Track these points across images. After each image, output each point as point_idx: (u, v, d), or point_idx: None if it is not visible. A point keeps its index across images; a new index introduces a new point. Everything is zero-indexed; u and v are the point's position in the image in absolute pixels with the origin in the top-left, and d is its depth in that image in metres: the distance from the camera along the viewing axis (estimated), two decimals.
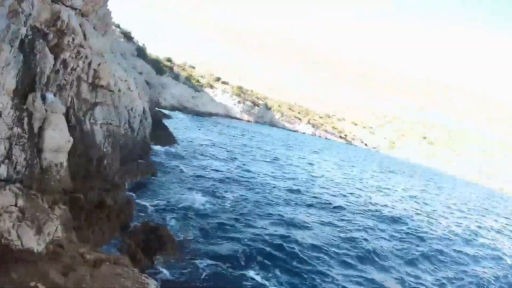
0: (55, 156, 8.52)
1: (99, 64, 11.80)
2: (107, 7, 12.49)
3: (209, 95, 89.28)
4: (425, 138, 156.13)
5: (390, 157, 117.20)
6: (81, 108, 11.24)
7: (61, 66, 9.07)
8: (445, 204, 34.84)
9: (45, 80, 8.35)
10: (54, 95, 8.81)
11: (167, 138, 25.92)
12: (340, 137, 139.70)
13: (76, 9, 9.24)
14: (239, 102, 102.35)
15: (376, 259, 14.64)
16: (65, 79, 9.45)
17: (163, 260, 10.57)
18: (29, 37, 7.50)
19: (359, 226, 18.14)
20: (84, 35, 10.31)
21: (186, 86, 74.85)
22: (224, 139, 39.87)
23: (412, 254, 16.21)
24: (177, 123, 40.74)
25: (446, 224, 24.79)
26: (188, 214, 14.14)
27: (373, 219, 20.23)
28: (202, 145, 30.90)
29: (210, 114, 78.53)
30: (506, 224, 32.64)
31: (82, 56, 10.03)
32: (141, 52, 48.40)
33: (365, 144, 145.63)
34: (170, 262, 10.59)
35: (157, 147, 22.67)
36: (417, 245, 17.63)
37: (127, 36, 43.97)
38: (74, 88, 10.45)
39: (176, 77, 71.37)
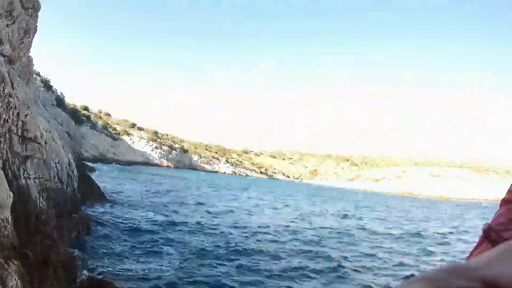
0: (0, 212, 7.81)
1: (26, 115, 11.12)
2: (29, 53, 11.87)
3: (126, 143, 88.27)
4: (347, 160, 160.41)
5: (314, 185, 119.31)
6: (14, 162, 10.46)
7: None
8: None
9: None
10: None
11: (95, 191, 24.98)
12: (261, 172, 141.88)
13: (4, 56, 8.61)
14: (156, 147, 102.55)
15: None
16: None
17: None
18: None
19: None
20: (12, 84, 9.65)
21: (104, 135, 73.48)
22: (148, 188, 39.19)
23: None
24: (100, 176, 39.56)
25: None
26: (129, 266, 13.46)
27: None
28: (129, 196, 30.15)
29: (129, 163, 76.93)
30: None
31: (11, 107, 9.35)
32: (60, 101, 47.07)
33: (287, 176, 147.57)
34: None
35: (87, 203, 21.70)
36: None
37: (47, 85, 42.41)
38: (8, 141, 9.70)
39: (94, 126, 69.95)
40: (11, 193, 8.54)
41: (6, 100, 8.87)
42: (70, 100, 69.79)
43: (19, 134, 10.76)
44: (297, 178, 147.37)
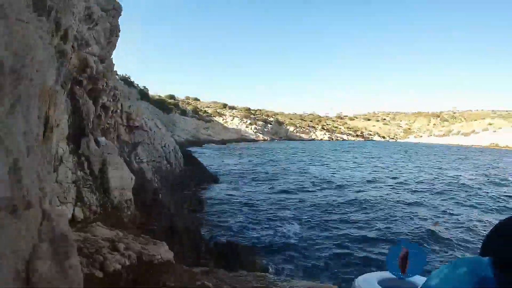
0: (122, 193, 8.55)
1: (129, 106, 11.97)
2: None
3: (219, 123, 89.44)
4: (438, 116, 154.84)
5: (408, 143, 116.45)
6: (124, 150, 11.33)
7: (102, 110, 9.12)
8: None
9: (91, 125, 8.40)
10: None
11: (200, 169, 25.99)
12: (357, 135, 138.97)
13: (95, 55, 9.32)
14: (250, 123, 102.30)
15: None
16: (107, 123, 9.50)
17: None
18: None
19: None
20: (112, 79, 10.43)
21: (195, 118, 75.10)
22: (251, 162, 39.82)
23: None
24: (199, 156, 41.00)
25: None
26: (250, 227, 14.14)
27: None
28: (233, 171, 30.97)
29: (224, 142, 78.04)
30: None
31: (118, 99, 10.12)
32: (143, 95, 48.58)
33: (383, 137, 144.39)
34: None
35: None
36: None
37: (127, 81, 44.21)
38: (116, 131, 10.53)
39: (184, 112, 71.54)
40: (133, 176, 9.31)
41: (112, 93, 9.60)
42: (155, 92, 72.66)
43: (125, 124, 11.61)
44: (392, 138, 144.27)
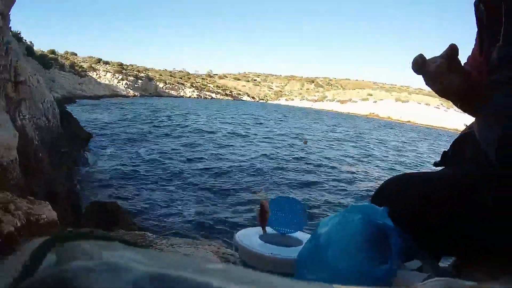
0: (8, 153, 8.43)
1: (17, 61, 11.48)
2: None
3: (93, 78, 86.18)
4: (313, 81, 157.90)
5: (279, 105, 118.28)
6: (10, 107, 10.95)
7: None
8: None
9: None
10: None
11: (76, 126, 25.16)
12: (226, 94, 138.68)
13: None
14: (122, 79, 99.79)
15: None
16: None
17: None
18: None
19: None
20: (8, 33, 10.02)
21: (72, 73, 71.69)
22: (122, 117, 39.60)
23: None
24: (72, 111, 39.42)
25: None
26: (130, 187, 14.32)
27: None
28: (106, 127, 30.55)
29: (98, 97, 75.65)
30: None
31: (9, 53, 9.80)
32: (29, 50, 46.12)
33: (252, 98, 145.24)
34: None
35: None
36: None
37: (18, 37, 41.16)
38: (3, 87, 10.17)
39: (62, 67, 68.15)
40: (17, 133, 9.12)
41: (5, 48, 9.30)
42: (38, 46, 68.62)
43: (12, 80, 11.16)
44: (262, 99, 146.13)
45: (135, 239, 6.76)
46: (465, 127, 1.55)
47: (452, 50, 1.26)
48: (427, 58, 1.32)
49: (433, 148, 38.89)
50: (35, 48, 56.71)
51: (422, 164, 26.47)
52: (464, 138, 1.48)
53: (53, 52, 80.00)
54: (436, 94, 1.41)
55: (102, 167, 17.15)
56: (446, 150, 1.55)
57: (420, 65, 1.29)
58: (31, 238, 5.95)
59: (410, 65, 1.32)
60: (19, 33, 44.43)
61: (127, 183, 14.94)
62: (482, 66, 1.38)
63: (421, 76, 1.34)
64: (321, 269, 1.22)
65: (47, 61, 60.56)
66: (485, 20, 1.35)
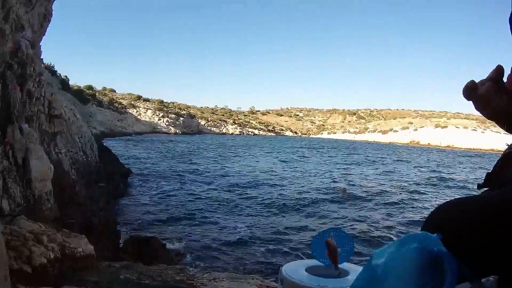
0: (43, 185, 8.14)
1: (51, 94, 11.38)
2: None
3: (133, 115, 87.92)
4: (354, 114, 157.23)
5: (322, 139, 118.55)
6: (44, 139, 10.76)
7: (27, 97, 8.63)
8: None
9: (17, 113, 7.93)
10: None
11: (114, 162, 25.28)
12: (269, 130, 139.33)
13: (28, 40, 8.81)
14: (163, 116, 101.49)
15: None
16: (31, 110, 9.00)
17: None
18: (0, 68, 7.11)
19: None
20: (39, 65, 9.87)
21: (111, 110, 73.36)
22: (160, 154, 39.62)
23: None
24: (113, 147, 40.13)
25: None
26: (168, 222, 14.01)
27: None
28: (144, 163, 30.73)
29: (138, 134, 76.93)
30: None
31: (42, 86, 9.61)
32: (64, 84, 46.87)
33: (295, 133, 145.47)
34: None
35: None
36: None
37: (51, 70, 42.22)
38: (38, 120, 9.98)
39: (100, 103, 69.86)
40: (52, 166, 8.88)
41: (37, 79, 9.10)
42: (74, 82, 70.41)
43: (46, 113, 11.01)
44: (304, 134, 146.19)
45: (177, 273, 6.33)
46: (506, 146, 1.41)
47: (499, 71, 1.25)
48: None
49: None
50: (70, 83, 57.55)
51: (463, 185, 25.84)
52: (507, 158, 1.34)
53: (90, 87, 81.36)
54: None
55: (140, 202, 16.91)
56: (490, 171, 1.40)
57: (471, 90, 1.28)
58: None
59: (461, 91, 1.30)
60: (53, 66, 45.60)
61: (166, 218, 14.71)
62: None
63: (467, 101, 1.32)
64: None
65: (84, 96, 61.82)
66: None
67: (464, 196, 1.51)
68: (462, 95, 1.32)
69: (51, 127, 11.50)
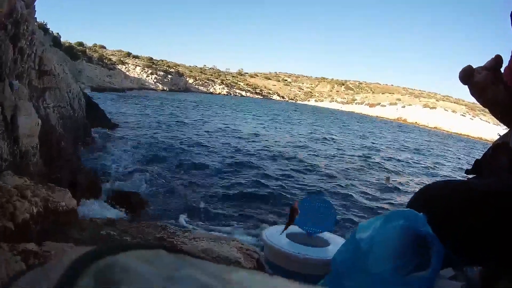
0: (30, 140, 8.37)
1: (42, 51, 11.45)
2: None
3: (122, 72, 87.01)
4: (343, 84, 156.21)
5: (308, 106, 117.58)
6: (33, 95, 10.91)
7: (18, 54, 8.77)
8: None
9: (8, 70, 8.10)
10: None
11: (101, 116, 25.28)
12: (256, 93, 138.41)
13: (23, 0, 8.90)
14: (151, 73, 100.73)
15: None
16: (22, 67, 9.15)
17: None
18: None
19: None
20: (32, 23, 9.96)
21: (100, 66, 72.47)
22: (151, 111, 39.53)
23: None
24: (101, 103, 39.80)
25: None
26: (154, 177, 14.23)
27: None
28: (133, 120, 30.69)
29: (125, 90, 76.14)
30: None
31: (34, 44, 9.73)
32: (56, 42, 46.43)
33: (282, 97, 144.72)
34: None
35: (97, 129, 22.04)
36: None
37: (43, 28, 41.61)
38: (28, 76, 10.12)
39: (90, 59, 69.00)
40: (40, 120, 9.07)
41: (30, 38, 9.22)
42: (66, 38, 69.56)
43: (36, 69, 11.13)
44: (291, 99, 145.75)
45: (158, 231, 6.63)
46: (498, 137, 1.52)
47: (497, 61, 1.25)
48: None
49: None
50: (62, 40, 57.38)
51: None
52: (499, 148, 1.43)
53: (81, 44, 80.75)
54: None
55: (125, 157, 17.07)
56: (479, 158, 1.50)
57: (468, 75, 1.28)
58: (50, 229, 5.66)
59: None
60: (45, 24, 45.39)
61: (150, 172, 14.79)
62: None
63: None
64: (360, 275, 1.19)
65: (75, 52, 61.14)
66: None
67: (455, 179, 1.58)
68: (459, 79, 1.31)
69: (41, 83, 11.63)
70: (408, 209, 1.30)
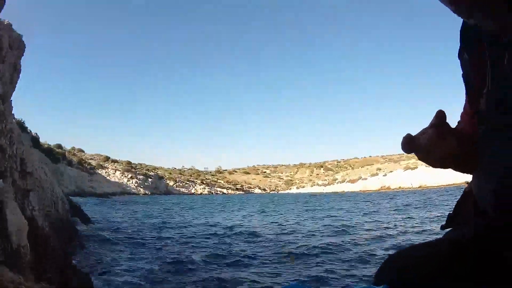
0: (20, 238, 8.07)
1: (23, 151, 11.34)
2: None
3: (102, 176, 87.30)
4: (321, 166, 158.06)
5: (292, 194, 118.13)
6: (17, 197, 10.65)
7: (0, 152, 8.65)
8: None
9: None
10: None
11: (84, 219, 24.96)
12: (237, 189, 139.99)
13: None
14: (131, 177, 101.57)
15: None
16: (4, 166, 8.99)
17: None
18: None
19: None
20: (11, 120, 9.92)
21: (80, 170, 72.58)
22: (132, 215, 39.09)
23: None
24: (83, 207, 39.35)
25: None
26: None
27: None
28: (115, 221, 30.32)
29: (107, 195, 75.97)
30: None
31: (14, 142, 9.63)
32: (35, 142, 46.14)
33: (263, 190, 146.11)
34: None
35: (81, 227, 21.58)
36: None
37: (21, 126, 41.39)
38: (10, 176, 9.93)
39: (69, 163, 69.15)
40: (26, 222, 8.77)
41: (9, 136, 9.14)
42: (44, 139, 69.75)
43: (18, 170, 10.95)
44: (273, 190, 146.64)
45: None
46: (466, 185, 1.52)
47: (439, 117, 1.25)
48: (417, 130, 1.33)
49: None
50: (41, 141, 56.59)
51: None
52: (466, 196, 1.45)
53: (59, 146, 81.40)
54: None
55: (110, 258, 16.58)
56: (451, 212, 1.51)
57: (409, 143, 1.28)
58: None
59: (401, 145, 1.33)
60: (23, 122, 44.15)
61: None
62: (473, 118, 1.32)
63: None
64: None
65: (54, 155, 60.84)
66: (470, 69, 1.31)
67: (416, 244, 1.61)
68: (402, 149, 1.33)
69: (24, 184, 11.41)
70: (369, 285, 1.32)
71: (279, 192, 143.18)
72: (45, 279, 8.95)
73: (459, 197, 1.51)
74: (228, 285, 11.94)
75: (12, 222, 7.65)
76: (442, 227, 1.50)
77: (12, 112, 10.53)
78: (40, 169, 15.22)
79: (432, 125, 1.26)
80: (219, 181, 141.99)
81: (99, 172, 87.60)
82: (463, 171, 1.45)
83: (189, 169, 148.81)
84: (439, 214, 28.20)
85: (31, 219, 11.06)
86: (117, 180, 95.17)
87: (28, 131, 46.99)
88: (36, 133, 52.44)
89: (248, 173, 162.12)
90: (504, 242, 1.15)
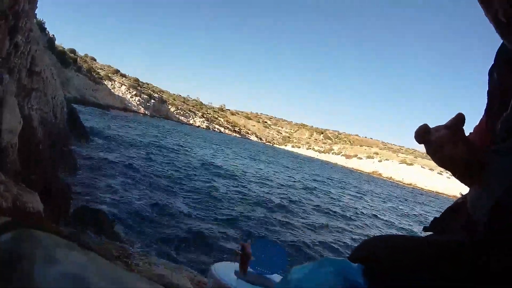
0: (11, 137, 8.10)
1: (36, 50, 11.26)
2: None
3: (107, 88, 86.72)
4: (322, 133, 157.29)
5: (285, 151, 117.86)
6: (20, 94, 10.64)
7: (13, 49, 8.56)
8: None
9: (1, 61, 7.88)
10: None
11: (80, 130, 25.01)
12: (235, 131, 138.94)
13: None
14: (135, 95, 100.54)
15: None
16: (14, 62, 8.93)
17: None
18: None
19: None
20: (30, 19, 9.78)
21: (87, 78, 72.07)
22: (128, 131, 39.27)
23: None
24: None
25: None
26: (122, 195, 13.98)
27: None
28: (109, 136, 30.54)
29: (108, 107, 75.97)
30: None
31: (30, 41, 9.53)
32: (50, 43, 45.76)
33: (260, 139, 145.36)
34: None
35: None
36: None
37: (41, 27, 40.99)
38: (18, 73, 9.88)
39: (79, 69, 68.52)
40: (22, 120, 8.79)
41: (27, 34, 9.04)
42: (60, 42, 68.92)
43: (27, 67, 10.90)
44: (269, 142, 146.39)
45: (117, 250, 6.40)
46: (460, 195, 1.49)
47: (458, 119, 1.21)
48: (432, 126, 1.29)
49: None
50: (56, 43, 56.39)
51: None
52: (457, 207, 1.42)
53: (73, 51, 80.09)
54: None
55: (99, 172, 16.74)
56: (437, 217, 1.48)
57: (423, 134, 1.26)
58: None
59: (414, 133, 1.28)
60: (44, 23, 44.10)
61: (121, 191, 14.58)
62: (487, 136, 1.33)
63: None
64: None
65: (66, 59, 60.20)
66: (497, 88, 1.30)
67: (402, 234, 1.58)
68: (414, 138, 1.29)
69: (29, 83, 11.38)
70: (342, 258, 1.27)
71: (274, 145, 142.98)
72: (27, 181, 9.05)
73: (440, 208, 1.48)
74: None
75: (7, 120, 7.66)
76: (425, 229, 1.48)
77: (35, 12, 10.35)
78: (48, 70, 15.12)
79: (447, 126, 1.24)
80: (219, 118, 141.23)
81: (105, 83, 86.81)
82: (461, 181, 1.41)
83: (193, 99, 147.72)
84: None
85: (28, 117, 11.11)
86: (120, 94, 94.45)
87: (46, 32, 46.52)
88: (53, 35, 52.01)
89: (250, 118, 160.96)
90: (489, 258, 1.09)
